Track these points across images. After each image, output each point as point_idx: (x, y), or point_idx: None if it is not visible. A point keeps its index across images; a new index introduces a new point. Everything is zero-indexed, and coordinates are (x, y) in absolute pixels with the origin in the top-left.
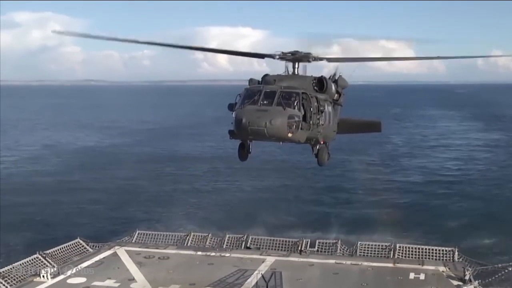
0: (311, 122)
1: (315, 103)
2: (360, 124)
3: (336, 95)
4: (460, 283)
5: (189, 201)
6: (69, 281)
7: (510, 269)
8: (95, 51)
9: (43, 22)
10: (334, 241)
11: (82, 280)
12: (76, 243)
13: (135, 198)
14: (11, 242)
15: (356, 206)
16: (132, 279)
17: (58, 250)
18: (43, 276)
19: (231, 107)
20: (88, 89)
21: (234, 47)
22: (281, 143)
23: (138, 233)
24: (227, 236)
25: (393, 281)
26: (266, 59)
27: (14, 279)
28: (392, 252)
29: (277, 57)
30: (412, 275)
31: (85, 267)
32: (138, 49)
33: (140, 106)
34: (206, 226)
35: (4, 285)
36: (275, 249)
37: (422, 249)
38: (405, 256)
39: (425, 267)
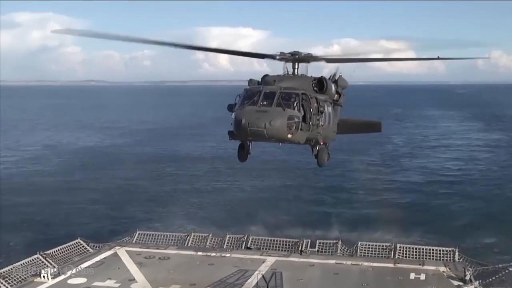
0: (311, 123)
1: (315, 104)
2: (360, 124)
3: (336, 95)
4: (461, 283)
5: (189, 201)
6: (70, 281)
7: (511, 269)
8: (95, 51)
9: (43, 22)
10: (335, 241)
11: (82, 280)
12: (77, 243)
13: (135, 198)
14: (11, 242)
15: (356, 206)
16: (133, 280)
17: (58, 250)
18: (44, 276)
19: (230, 107)
20: (88, 89)
21: (235, 47)
22: (280, 144)
23: (139, 233)
24: (228, 236)
25: (393, 281)
26: (266, 59)
27: (15, 280)
28: (392, 252)
29: (277, 57)
30: (412, 275)
31: (86, 267)
32: (138, 49)
33: (140, 106)
34: (207, 226)
35: (4, 285)
36: (275, 250)
37: (423, 249)
38: (405, 256)
39: (425, 267)
